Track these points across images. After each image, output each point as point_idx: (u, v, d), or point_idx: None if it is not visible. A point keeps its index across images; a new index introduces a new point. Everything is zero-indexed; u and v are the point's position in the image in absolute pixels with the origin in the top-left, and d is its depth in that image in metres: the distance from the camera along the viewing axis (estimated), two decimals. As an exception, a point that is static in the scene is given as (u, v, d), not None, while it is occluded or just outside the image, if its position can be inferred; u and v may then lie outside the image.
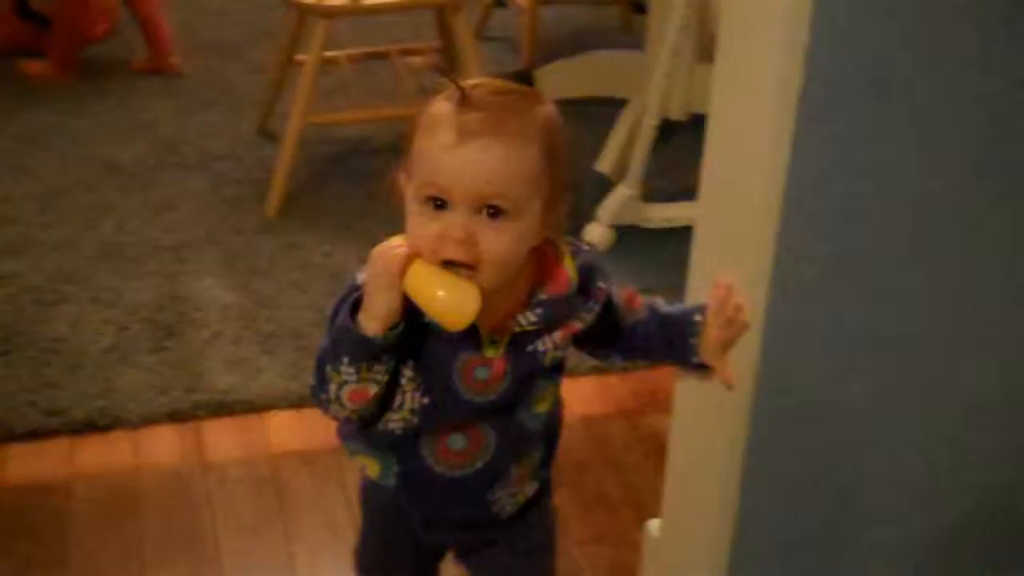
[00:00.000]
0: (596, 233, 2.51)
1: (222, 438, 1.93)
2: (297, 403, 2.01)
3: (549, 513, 1.31)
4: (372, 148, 3.03)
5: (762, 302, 1.20)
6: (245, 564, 1.67)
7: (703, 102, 1.07)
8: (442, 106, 1.05)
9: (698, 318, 1.22)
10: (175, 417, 1.96)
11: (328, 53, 2.74)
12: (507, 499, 1.22)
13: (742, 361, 1.23)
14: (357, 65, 3.07)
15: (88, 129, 3.07)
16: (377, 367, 1.07)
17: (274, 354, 2.12)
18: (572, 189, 1.10)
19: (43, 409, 1.95)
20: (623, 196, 2.50)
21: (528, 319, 1.11)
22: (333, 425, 1.92)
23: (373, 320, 1.04)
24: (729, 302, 1.21)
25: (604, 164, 2.73)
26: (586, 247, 1.17)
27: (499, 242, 1.03)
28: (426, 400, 1.12)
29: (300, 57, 2.87)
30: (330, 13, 2.59)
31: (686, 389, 1.36)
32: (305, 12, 2.70)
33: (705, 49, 3.04)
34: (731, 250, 1.23)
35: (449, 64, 3.11)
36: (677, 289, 1.33)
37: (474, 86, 1.05)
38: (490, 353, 1.11)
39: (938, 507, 1.41)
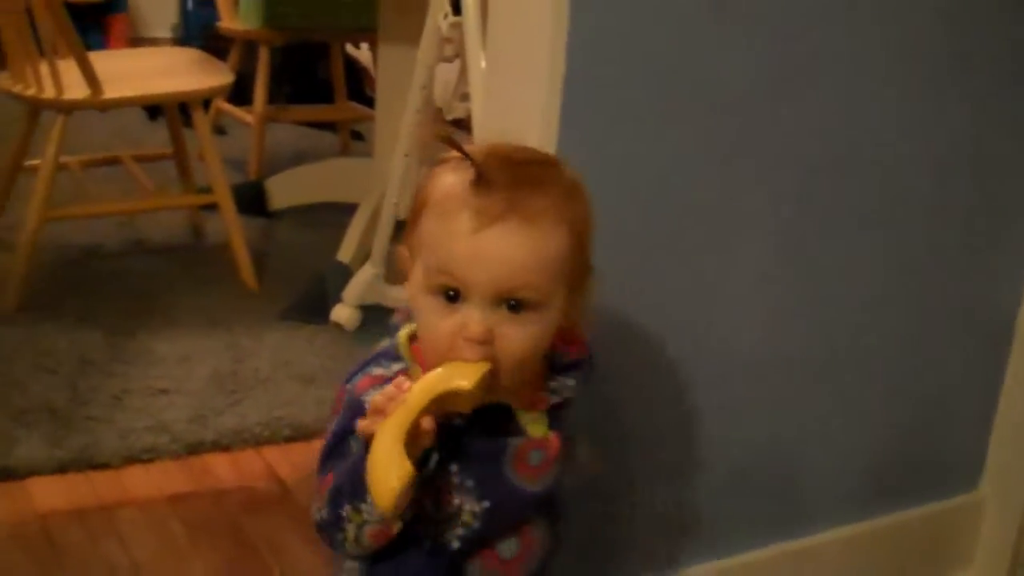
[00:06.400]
0: (343, 314, 2.56)
1: (-16, 502, 1.88)
2: (59, 469, 1.98)
3: None
4: (107, 252, 3.02)
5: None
6: (27, 611, 1.63)
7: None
8: (453, 182, 0.91)
9: None
10: (-71, 484, 1.89)
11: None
12: None
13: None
14: (86, 171, 3.09)
15: None
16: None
17: (31, 427, 2.08)
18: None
19: None
20: (368, 275, 2.54)
21: (566, 385, 1.01)
22: (99, 485, 1.94)
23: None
24: None
25: (345, 254, 2.79)
26: None
27: (522, 339, 0.91)
28: (486, 503, 0.98)
29: (31, 163, 2.84)
30: (69, 108, 2.58)
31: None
32: (41, 108, 2.68)
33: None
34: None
35: (180, 169, 3.16)
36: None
37: (486, 156, 0.91)
38: (537, 432, 0.99)
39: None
